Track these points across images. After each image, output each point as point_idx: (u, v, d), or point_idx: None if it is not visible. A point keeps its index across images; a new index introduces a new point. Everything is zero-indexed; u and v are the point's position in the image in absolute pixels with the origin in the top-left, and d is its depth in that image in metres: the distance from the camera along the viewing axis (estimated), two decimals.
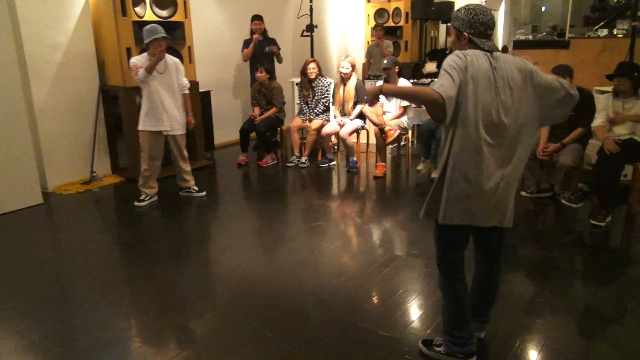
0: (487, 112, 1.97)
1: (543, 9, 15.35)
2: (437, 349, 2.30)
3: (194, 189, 4.75)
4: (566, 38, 6.09)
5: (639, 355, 2.31)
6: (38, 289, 3.06)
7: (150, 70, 4.18)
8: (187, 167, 4.71)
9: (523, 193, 4.55)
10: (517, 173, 2.10)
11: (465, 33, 2.05)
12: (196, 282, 3.11)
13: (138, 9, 4.91)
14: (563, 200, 4.15)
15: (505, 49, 10.15)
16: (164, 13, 5.15)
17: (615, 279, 3.05)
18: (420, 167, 5.22)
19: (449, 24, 9.92)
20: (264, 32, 6.46)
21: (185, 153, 4.66)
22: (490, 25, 2.05)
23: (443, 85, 1.89)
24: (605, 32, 7.38)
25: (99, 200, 4.78)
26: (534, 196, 4.49)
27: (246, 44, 6.52)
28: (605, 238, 3.71)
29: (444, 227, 2.14)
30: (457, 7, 10.00)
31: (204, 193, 4.76)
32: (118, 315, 2.74)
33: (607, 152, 3.84)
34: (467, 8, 2.06)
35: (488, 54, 2.01)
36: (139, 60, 4.26)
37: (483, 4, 9.99)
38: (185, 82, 4.54)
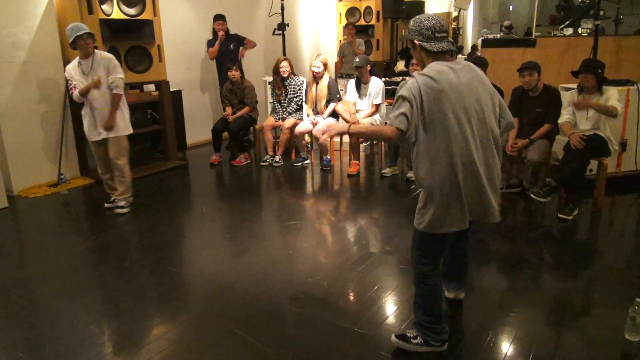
0: (468, 118, 2.08)
1: (511, 8, 15.67)
2: (414, 341, 2.34)
3: (119, 203, 4.29)
4: (533, 37, 6.22)
5: (606, 344, 2.38)
6: (4, 294, 2.96)
7: (84, 94, 4.01)
8: (120, 174, 4.25)
9: None
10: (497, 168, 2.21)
11: (415, 41, 2.15)
12: (168, 284, 3.06)
13: (105, 7, 4.80)
14: (532, 195, 4.24)
15: (474, 48, 10.35)
16: (132, 11, 5.05)
17: (582, 271, 3.13)
18: (386, 171, 5.24)
19: None
20: (226, 32, 6.44)
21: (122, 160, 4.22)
22: (437, 28, 2.13)
23: (397, 118, 2.07)
24: (570, 31, 7.59)
25: (67, 203, 4.66)
26: (504, 191, 4.58)
27: (210, 43, 6.47)
28: (572, 231, 3.81)
29: (433, 235, 2.19)
30: (427, 6, 10.14)
31: (126, 210, 4.27)
32: (88, 320, 2.68)
33: (572, 148, 3.94)
34: (414, 18, 2.19)
35: (449, 65, 2.10)
36: (72, 73, 4.05)
37: (452, 3, 10.15)
38: (117, 80, 4.07)
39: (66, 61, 5.04)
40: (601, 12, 4.68)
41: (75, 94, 4.04)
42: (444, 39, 2.14)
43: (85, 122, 4.18)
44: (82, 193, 4.91)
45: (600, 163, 4.18)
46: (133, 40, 5.12)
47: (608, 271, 3.13)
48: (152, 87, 5.64)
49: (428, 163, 2.10)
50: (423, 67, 2.18)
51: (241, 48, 6.59)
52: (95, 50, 4.07)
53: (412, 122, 2.07)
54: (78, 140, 5.27)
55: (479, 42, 6.78)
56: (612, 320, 2.56)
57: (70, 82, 4.09)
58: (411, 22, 2.18)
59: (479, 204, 2.16)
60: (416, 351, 2.33)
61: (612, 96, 3.97)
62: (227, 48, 6.46)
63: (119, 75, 4.10)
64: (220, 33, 6.32)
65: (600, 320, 2.58)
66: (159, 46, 5.34)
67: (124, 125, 4.22)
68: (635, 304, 2.36)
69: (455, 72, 2.10)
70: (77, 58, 4.08)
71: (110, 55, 4.17)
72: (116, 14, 4.90)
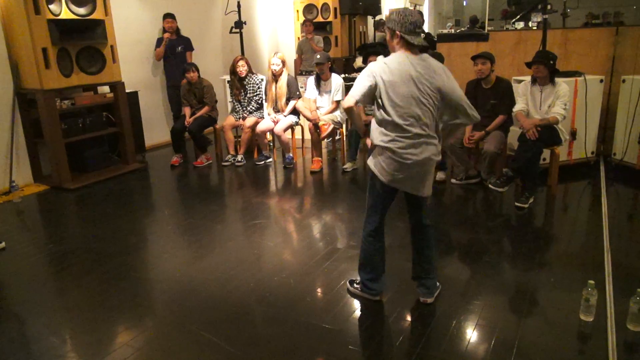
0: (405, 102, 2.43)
1: (465, 3, 16.03)
2: (356, 285, 2.84)
3: None
4: (485, 31, 6.39)
5: (563, 325, 2.48)
6: None
7: None
8: None
9: (453, 180, 4.74)
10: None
11: (397, 32, 2.44)
12: (131, 290, 3.00)
13: (53, 7, 4.63)
14: (490, 185, 4.37)
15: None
16: (82, 11, 4.88)
17: (539, 257, 3.25)
18: (346, 166, 5.29)
19: (382, 21, 10.10)
20: (177, 31, 6.37)
21: None
22: (419, 24, 2.45)
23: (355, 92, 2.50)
24: (521, 24, 7.83)
25: (21, 211, 4.48)
26: (463, 183, 4.69)
27: (159, 42, 6.38)
28: (529, 218, 3.95)
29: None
30: (383, 2, 10.23)
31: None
32: (49, 330, 2.59)
33: (528, 138, 4.08)
34: (398, 11, 2.48)
35: (411, 55, 2.45)
36: None
37: (407, 1, 10.25)
38: None
39: (13, 64, 4.84)
40: (549, 6, 4.84)
41: None
42: (419, 35, 2.47)
43: None
44: (36, 200, 4.73)
45: (553, 152, 4.34)
46: (84, 40, 4.96)
47: (563, 255, 3.26)
48: (106, 88, 5.48)
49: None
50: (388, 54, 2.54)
51: (188, 52, 6.52)
52: None
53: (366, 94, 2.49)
54: (30, 146, 5.08)
55: (434, 37, 6.89)
56: (568, 303, 2.67)
57: None
58: (394, 13, 2.46)
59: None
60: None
61: (563, 95, 4.12)
62: (174, 50, 6.38)
63: None
64: (166, 35, 6.29)
65: (557, 303, 2.69)
66: (112, 46, 5.19)
67: None
68: (588, 286, 2.47)
69: (413, 65, 2.43)
70: None
71: None
72: (65, 14, 4.73)
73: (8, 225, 4.16)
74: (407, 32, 2.42)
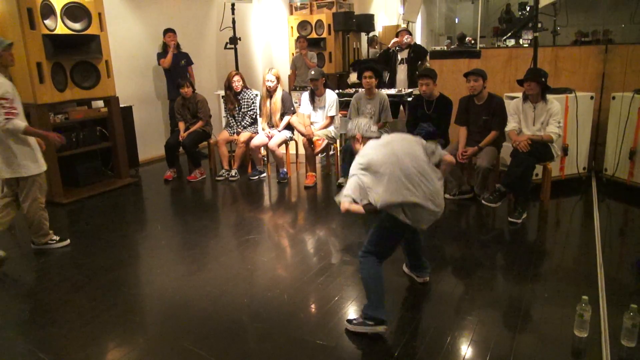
0: None
1: (456, 20, 16.28)
2: (355, 321, 2.64)
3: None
4: (477, 48, 6.48)
5: (557, 341, 2.48)
6: None
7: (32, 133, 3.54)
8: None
9: (446, 195, 4.76)
10: None
11: (358, 136, 2.95)
12: (122, 306, 2.96)
13: (48, 22, 4.65)
14: (483, 201, 4.39)
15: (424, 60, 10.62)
16: (77, 26, 4.91)
17: (533, 272, 3.26)
18: (341, 180, 5.31)
19: (371, 35, 10.22)
20: (177, 46, 6.44)
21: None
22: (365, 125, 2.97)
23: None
24: (512, 42, 7.95)
25: (12, 226, 4.43)
26: (456, 198, 4.71)
27: (160, 56, 6.43)
28: (522, 233, 3.96)
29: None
30: (376, 19, 10.37)
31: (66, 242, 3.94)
32: (37, 348, 2.55)
33: (519, 151, 4.11)
34: (357, 123, 2.97)
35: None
36: (9, 87, 3.44)
37: (401, 16, 10.39)
38: None
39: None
40: (539, 24, 4.93)
41: (18, 123, 3.41)
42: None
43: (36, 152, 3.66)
44: None
45: (545, 168, 4.38)
46: (79, 55, 4.97)
47: (556, 271, 3.27)
48: (100, 103, 5.48)
49: None
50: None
51: (189, 67, 6.60)
52: None
53: None
54: None
55: (427, 55, 6.98)
56: (562, 318, 2.67)
57: (9, 100, 3.40)
58: (349, 124, 3.00)
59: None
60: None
61: (556, 112, 4.17)
62: (177, 63, 6.45)
63: None
64: (173, 42, 6.34)
65: (551, 319, 2.69)
66: (106, 61, 5.21)
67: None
68: (582, 302, 2.48)
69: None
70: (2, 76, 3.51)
71: None
72: (60, 29, 4.75)
73: None
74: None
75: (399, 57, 6.80)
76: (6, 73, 3.61)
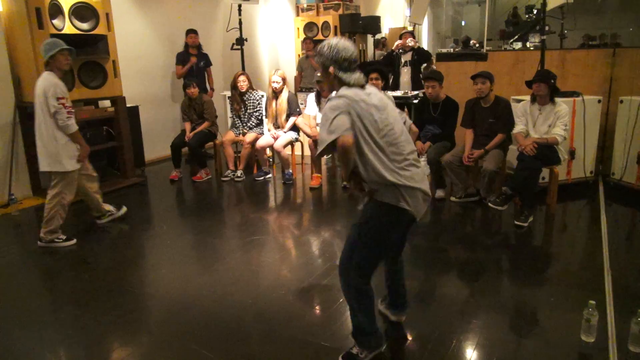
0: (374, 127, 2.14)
1: (463, 23, 16.25)
2: (361, 355, 2.34)
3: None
4: (484, 51, 6.46)
5: (564, 346, 2.46)
6: None
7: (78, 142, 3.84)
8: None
9: (452, 198, 4.74)
10: None
11: (330, 69, 2.18)
12: (127, 306, 2.97)
13: (56, 22, 4.67)
14: (489, 204, 4.37)
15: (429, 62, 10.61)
16: (85, 26, 4.93)
17: (539, 276, 3.24)
18: (346, 182, 5.31)
19: (376, 37, 10.21)
20: (198, 46, 6.50)
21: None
22: (353, 59, 2.19)
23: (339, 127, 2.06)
24: (519, 45, 7.92)
25: (18, 225, 4.45)
26: (462, 201, 4.69)
27: (179, 57, 6.46)
28: (528, 237, 3.94)
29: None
30: (383, 21, 10.36)
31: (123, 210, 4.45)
32: (43, 346, 2.55)
33: (525, 154, 4.09)
34: (330, 45, 2.18)
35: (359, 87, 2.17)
36: (64, 87, 3.70)
37: (407, 19, 10.39)
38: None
39: (15, 78, 4.87)
40: (547, 27, 4.91)
41: (72, 124, 3.75)
42: (356, 70, 2.21)
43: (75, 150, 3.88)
44: (35, 214, 4.71)
45: (552, 171, 4.35)
46: (86, 55, 5.00)
47: (563, 274, 3.25)
48: (107, 103, 5.50)
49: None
50: (329, 90, 2.27)
51: (207, 69, 6.64)
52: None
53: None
54: (29, 159, 5.07)
55: (433, 57, 6.97)
56: (568, 323, 2.65)
57: (64, 100, 3.69)
58: (325, 47, 2.18)
59: None
60: None
61: (564, 115, 4.15)
62: (195, 65, 6.49)
63: None
64: (193, 59, 6.41)
65: (557, 323, 2.67)
66: (113, 61, 5.23)
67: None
68: (589, 306, 2.46)
69: (368, 95, 2.17)
70: (53, 75, 3.70)
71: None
72: (68, 29, 4.77)
73: (5, 237, 4.14)
74: (342, 70, 2.18)
75: (403, 60, 6.79)
76: (60, 75, 3.77)
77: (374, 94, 2.21)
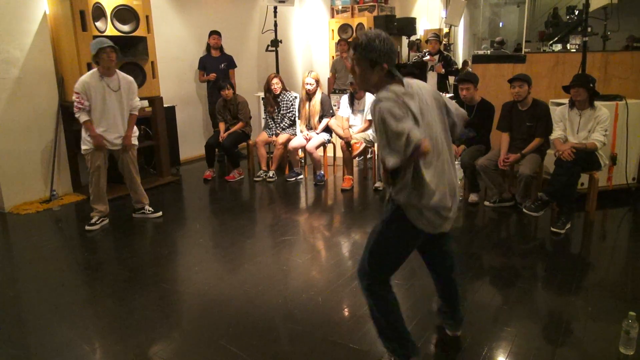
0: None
1: (500, 24, 15.92)
2: None
3: (148, 210, 4.58)
4: (522, 53, 6.32)
5: (600, 358, 2.38)
6: None
7: (96, 139, 4.11)
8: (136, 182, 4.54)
9: (486, 203, 4.65)
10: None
11: (385, 65, 1.99)
12: (161, 301, 3.04)
13: (99, 24, 4.83)
14: (524, 209, 4.26)
15: (465, 64, 10.47)
16: (126, 28, 5.08)
17: (576, 285, 3.14)
18: (378, 184, 5.28)
19: (412, 39, 10.10)
20: (220, 48, 6.58)
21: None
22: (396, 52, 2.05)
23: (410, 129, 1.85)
24: (559, 47, 7.70)
25: (59, 220, 4.62)
26: (497, 206, 4.60)
27: (201, 61, 6.56)
28: (565, 244, 3.83)
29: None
30: (418, 23, 10.27)
31: (160, 213, 4.59)
32: (79, 338, 2.64)
33: (564, 161, 3.98)
34: (381, 37, 1.97)
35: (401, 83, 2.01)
36: (91, 88, 4.04)
37: (443, 20, 10.27)
38: (137, 103, 4.39)
39: (59, 78, 5.05)
40: (589, 29, 4.76)
41: (84, 116, 4.06)
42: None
43: (100, 135, 4.16)
44: (74, 209, 4.88)
45: (591, 177, 4.22)
46: (127, 56, 5.14)
47: (601, 284, 3.14)
48: (145, 103, 5.64)
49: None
50: (367, 88, 2.09)
51: (230, 70, 6.71)
52: (117, 70, 4.18)
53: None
54: (71, 156, 5.26)
55: (469, 58, 6.91)
56: (606, 334, 2.56)
57: (77, 95, 4.02)
58: (376, 41, 1.96)
59: None
60: None
61: (604, 120, 4.01)
62: (217, 66, 6.56)
63: (138, 99, 4.42)
64: (212, 75, 6.48)
65: (594, 334, 2.58)
66: (152, 62, 5.36)
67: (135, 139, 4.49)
68: (628, 317, 2.37)
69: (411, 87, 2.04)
70: (95, 72, 4.07)
71: (132, 78, 4.35)
72: (110, 31, 4.93)
73: (47, 232, 4.30)
74: (393, 65, 2.02)
75: (429, 64, 6.80)
76: (106, 73, 4.09)
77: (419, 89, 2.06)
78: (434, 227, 2.09)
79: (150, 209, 4.56)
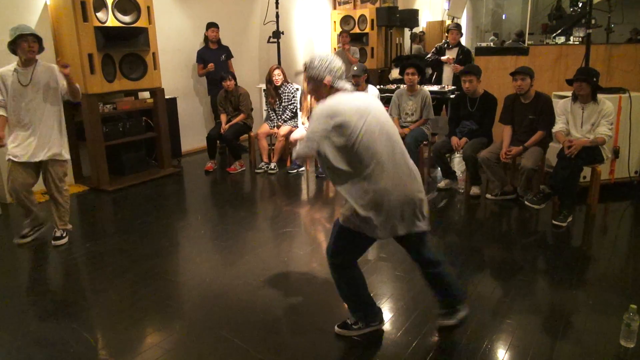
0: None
1: (503, 17, 15.81)
2: (355, 327, 2.51)
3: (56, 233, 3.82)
4: (525, 45, 6.28)
5: (601, 351, 2.38)
6: None
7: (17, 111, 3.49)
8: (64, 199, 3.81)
9: (488, 195, 4.65)
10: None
11: (326, 81, 2.24)
12: (162, 292, 3.05)
13: (100, 15, 4.81)
14: (526, 202, 4.26)
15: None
16: (127, 19, 5.06)
17: (577, 278, 3.14)
18: None
19: (415, 31, 10.05)
20: (218, 40, 6.55)
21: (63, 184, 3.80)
22: (342, 69, 2.30)
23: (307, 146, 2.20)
24: (562, 39, 7.66)
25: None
26: (498, 198, 4.60)
27: (199, 55, 6.52)
28: (566, 238, 3.83)
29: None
30: (420, 15, 10.21)
31: (64, 240, 3.80)
32: (82, 329, 2.65)
33: (566, 155, 3.97)
34: (321, 57, 2.27)
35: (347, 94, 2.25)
36: (1, 83, 3.45)
37: (445, 12, 10.24)
38: (63, 83, 3.63)
39: None
40: (593, 21, 4.72)
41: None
42: (344, 77, 2.30)
43: (23, 142, 3.56)
44: (76, 200, 4.88)
45: (594, 170, 4.20)
46: (128, 47, 5.12)
47: (602, 278, 3.14)
48: (146, 94, 5.64)
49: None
50: (319, 100, 2.29)
51: (229, 61, 6.69)
52: (38, 60, 3.57)
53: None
54: (72, 148, 5.23)
55: (472, 50, 6.86)
56: (607, 327, 2.56)
57: None
58: (316, 60, 2.25)
59: None
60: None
61: (609, 114, 3.98)
62: (217, 58, 6.53)
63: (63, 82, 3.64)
64: (210, 66, 6.41)
65: (595, 327, 2.59)
66: (153, 54, 5.34)
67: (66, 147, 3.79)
68: (629, 310, 2.37)
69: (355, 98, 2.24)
70: (14, 65, 3.52)
71: (54, 65, 3.67)
72: (111, 21, 4.91)
73: (48, 223, 4.30)
74: (338, 78, 2.27)
75: (447, 55, 6.69)
76: (24, 64, 3.52)
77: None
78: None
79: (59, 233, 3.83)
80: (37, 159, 3.61)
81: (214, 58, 6.54)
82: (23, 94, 3.52)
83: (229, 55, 6.75)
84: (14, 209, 4.60)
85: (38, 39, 3.49)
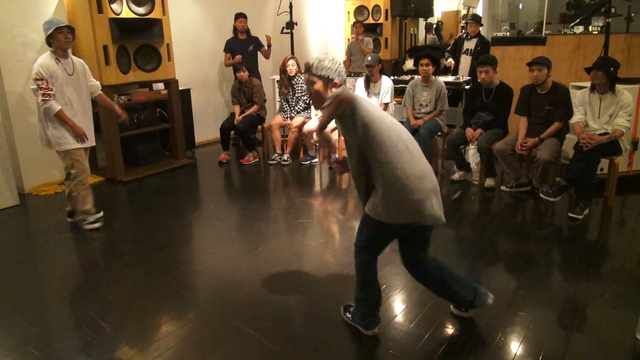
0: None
1: (520, 6, 15.55)
2: (348, 315, 2.56)
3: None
4: (543, 35, 6.18)
5: (617, 345, 2.36)
6: (14, 291, 2.99)
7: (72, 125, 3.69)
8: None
9: (502, 187, 4.60)
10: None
11: (337, 81, 2.32)
12: (176, 282, 3.08)
13: (114, 6, 4.83)
14: (541, 194, 4.21)
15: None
16: (141, 10, 5.07)
17: (592, 271, 3.10)
18: None
19: (432, 20, 9.91)
20: (247, 30, 6.53)
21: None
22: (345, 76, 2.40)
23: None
24: (580, 29, 7.51)
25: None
26: (513, 190, 4.55)
27: (227, 45, 6.51)
28: (582, 230, 3.78)
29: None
30: (435, 5, 10.08)
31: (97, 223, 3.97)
32: (97, 316, 2.69)
33: (583, 147, 3.90)
34: (330, 59, 2.33)
35: None
36: (53, 73, 3.58)
37: (461, 1, 10.07)
38: (97, 83, 4.02)
39: None
40: (612, 10, 4.62)
41: (53, 104, 3.57)
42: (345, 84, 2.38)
43: (72, 129, 3.75)
44: (92, 190, 4.92)
45: (612, 162, 4.13)
46: (142, 39, 5.14)
47: (618, 271, 3.10)
48: (161, 85, 5.66)
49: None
50: (320, 100, 2.33)
51: (262, 48, 6.66)
52: (70, 53, 3.79)
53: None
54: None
55: (489, 40, 6.75)
56: (622, 321, 2.53)
57: (44, 82, 3.55)
58: (326, 61, 2.31)
59: None
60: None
61: (627, 104, 3.90)
62: (245, 49, 6.50)
63: (93, 78, 4.01)
64: (238, 57, 6.34)
65: (610, 321, 2.56)
66: (167, 45, 5.36)
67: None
68: None
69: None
70: (49, 55, 3.65)
71: (82, 60, 3.96)
72: (125, 13, 4.93)
73: (63, 213, 4.37)
74: (344, 82, 2.36)
75: (465, 47, 6.59)
76: (62, 55, 3.70)
77: None
78: None
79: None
80: (94, 144, 4.01)
81: (241, 48, 6.50)
82: (69, 83, 3.74)
83: (258, 46, 6.69)
84: (32, 198, 4.67)
85: (72, 30, 3.70)
